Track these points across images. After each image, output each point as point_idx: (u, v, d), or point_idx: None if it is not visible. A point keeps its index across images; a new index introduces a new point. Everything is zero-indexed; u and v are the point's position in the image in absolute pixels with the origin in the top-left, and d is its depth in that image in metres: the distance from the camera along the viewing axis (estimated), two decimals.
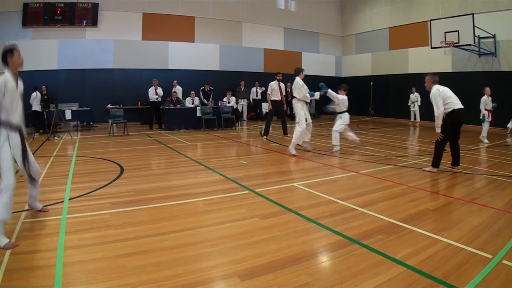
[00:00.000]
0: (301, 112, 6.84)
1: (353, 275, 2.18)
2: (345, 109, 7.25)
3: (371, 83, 15.90)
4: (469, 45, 10.88)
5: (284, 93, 9.26)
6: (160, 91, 11.69)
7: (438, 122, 5.06)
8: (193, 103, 11.93)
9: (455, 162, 5.43)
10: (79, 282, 2.10)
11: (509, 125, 10.32)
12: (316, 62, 16.83)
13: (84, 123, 11.59)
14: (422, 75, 14.31)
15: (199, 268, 2.28)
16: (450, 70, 12.73)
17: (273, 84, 9.03)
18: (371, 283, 2.08)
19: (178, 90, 12.14)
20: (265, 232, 2.89)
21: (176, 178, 4.91)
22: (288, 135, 8.78)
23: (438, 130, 5.10)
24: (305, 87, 6.84)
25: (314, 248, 2.63)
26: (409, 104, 13.22)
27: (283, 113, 9.36)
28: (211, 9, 13.99)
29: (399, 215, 3.30)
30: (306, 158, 6.39)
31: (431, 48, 11.90)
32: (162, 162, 6.32)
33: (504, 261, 2.34)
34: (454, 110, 5.05)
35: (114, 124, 10.21)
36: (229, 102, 12.61)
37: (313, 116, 14.67)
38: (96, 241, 2.68)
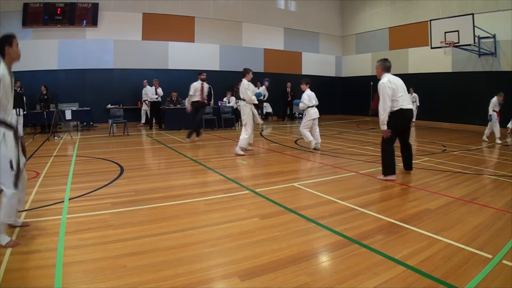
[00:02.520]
0: (250, 115, 6.59)
1: (353, 275, 2.18)
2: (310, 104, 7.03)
3: (371, 83, 15.89)
4: (469, 45, 10.89)
5: (206, 93, 8.71)
6: (160, 91, 11.70)
7: (384, 118, 4.47)
8: None
9: (407, 166, 4.94)
10: (79, 282, 2.09)
11: (509, 125, 10.32)
12: (316, 62, 16.84)
13: (84, 123, 11.60)
14: (422, 75, 14.42)
15: (199, 268, 2.28)
16: (450, 70, 12.75)
17: (196, 85, 8.46)
18: (371, 283, 2.08)
19: (148, 90, 11.92)
20: (265, 232, 2.88)
21: (176, 178, 4.91)
22: (195, 139, 8.49)
23: (384, 127, 4.52)
24: (251, 88, 6.64)
25: (314, 248, 2.63)
26: None
27: (202, 112, 8.89)
28: (211, 9, 13.99)
29: (399, 215, 3.30)
30: (306, 158, 6.39)
31: (431, 48, 11.90)
32: (162, 162, 6.32)
33: (504, 261, 2.33)
34: (402, 109, 4.48)
35: (114, 124, 10.22)
36: (229, 102, 12.63)
37: None
38: (96, 241, 2.68)
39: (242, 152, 6.56)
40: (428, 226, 2.99)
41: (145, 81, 12.03)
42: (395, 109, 4.50)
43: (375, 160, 6.14)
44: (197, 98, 8.43)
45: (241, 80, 6.79)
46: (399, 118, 4.55)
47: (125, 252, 2.50)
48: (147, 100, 12.00)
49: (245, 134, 6.54)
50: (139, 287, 2.04)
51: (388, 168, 4.61)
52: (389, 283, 2.08)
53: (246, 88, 6.55)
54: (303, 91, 7.11)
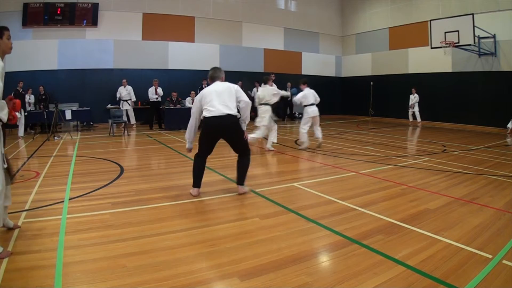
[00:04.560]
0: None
1: (353, 275, 2.18)
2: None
3: (371, 83, 15.90)
4: (469, 45, 10.88)
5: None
6: (160, 91, 11.69)
7: (188, 135, 4.16)
8: (193, 103, 11.91)
9: (237, 179, 4.11)
10: (79, 282, 2.09)
11: (509, 125, 10.32)
12: (316, 62, 16.83)
13: (84, 123, 11.59)
14: (422, 75, 14.41)
15: (199, 268, 2.28)
16: (450, 70, 12.74)
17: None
18: (371, 283, 2.08)
19: (130, 90, 11.77)
20: (265, 232, 2.88)
21: (176, 178, 4.91)
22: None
23: (188, 144, 4.22)
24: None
25: (314, 248, 2.63)
26: (409, 104, 13.22)
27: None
28: (211, 9, 13.99)
29: (399, 215, 3.30)
30: (306, 158, 6.39)
31: (431, 48, 11.89)
32: (162, 162, 6.32)
33: (504, 261, 2.34)
34: (205, 118, 3.86)
35: (114, 124, 10.22)
36: None
37: None
38: (96, 241, 2.68)
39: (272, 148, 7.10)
40: (428, 226, 2.99)
41: (124, 80, 11.79)
42: (202, 118, 3.97)
43: (375, 160, 6.14)
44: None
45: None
46: (204, 128, 3.95)
47: (125, 252, 2.50)
48: (129, 100, 11.86)
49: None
50: (139, 287, 2.04)
51: (193, 179, 4.02)
52: (389, 283, 2.08)
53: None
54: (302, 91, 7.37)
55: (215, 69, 4.24)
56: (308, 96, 7.24)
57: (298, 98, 7.36)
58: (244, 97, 4.03)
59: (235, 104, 3.96)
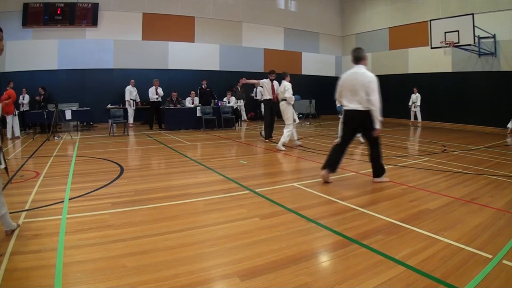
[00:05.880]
0: (292, 113, 7.36)
1: (353, 275, 2.18)
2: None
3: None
4: (469, 45, 10.88)
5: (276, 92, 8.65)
6: (160, 91, 11.70)
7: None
8: (193, 103, 11.95)
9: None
10: (79, 282, 2.09)
11: (509, 125, 10.33)
12: (316, 62, 16.84)
13: (84, 123, 11.60)
14: (422, 75, 14.43)
15: (199, 268, 2.28)
16: (450, 70, 12.75)
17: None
18: (371, 283, 2.08)
19: (132, 90, 11.80)
20: (265, 232, 2.88)
21: (176, 178, 4.91)
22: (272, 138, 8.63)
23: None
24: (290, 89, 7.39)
25: (314, 248, 2.63)
26: (409, 104, 13.22)
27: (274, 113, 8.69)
28: (211, 9, 14.00)
29: (399, 215, 3.30)
30: (306, 158, 6.39)
31: (431, 48, 11.90)
32: (162, 162, 6.32)
33: (504, 261, 2.33)
34: (343, 109, 4.51)
35: (114, 124, 10.22)
36: (229, 102, 12.64)
37: (312, 116, 14.69)
38: (96, 241, 2.68)
39: (283, 148, 7.09)
40: (428, 226, 2.99)
41: (133, 80, 11.86)
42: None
43: None
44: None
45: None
46: (343, 117, 4.55)
47: (125, 252, 2.50)
48: (135, 100, 11.89)
49: (288, 131, 7.21)
50: (139, 287, 2.04)
51: (325, 161, 4.60)
52: (389, 283, 2.08)
53: (288, 89, 7.29)
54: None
55: (358, 50, 4.26)
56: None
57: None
58: (371, 94, 4.05)
59: (364, 98, 4.09)
